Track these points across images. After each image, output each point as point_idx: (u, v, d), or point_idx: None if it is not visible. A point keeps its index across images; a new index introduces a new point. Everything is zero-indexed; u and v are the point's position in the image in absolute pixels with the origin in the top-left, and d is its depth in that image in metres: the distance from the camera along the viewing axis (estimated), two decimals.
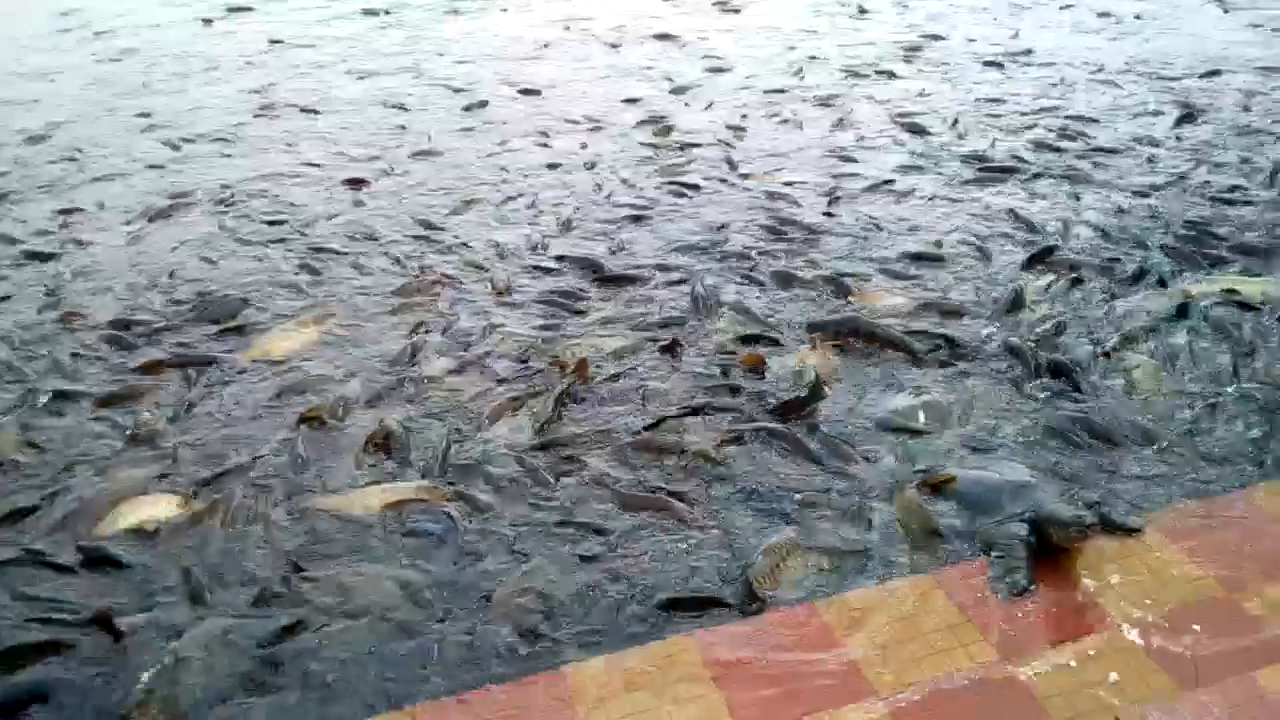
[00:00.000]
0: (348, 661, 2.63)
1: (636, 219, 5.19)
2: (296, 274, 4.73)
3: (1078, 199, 5.21)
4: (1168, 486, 3.13)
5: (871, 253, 4.74)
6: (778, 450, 3.37)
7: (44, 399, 3.79)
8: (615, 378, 3.82)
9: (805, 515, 3.07)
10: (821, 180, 5.56)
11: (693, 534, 3.02)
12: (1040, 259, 4.58)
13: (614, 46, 8.44)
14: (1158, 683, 2.42)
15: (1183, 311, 4.07)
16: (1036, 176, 5.50)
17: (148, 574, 2.96)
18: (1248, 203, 5.06)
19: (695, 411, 3.59)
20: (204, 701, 2.52)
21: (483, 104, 7.02)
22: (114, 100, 7.43)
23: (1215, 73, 7.02)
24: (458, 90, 7.39)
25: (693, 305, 4.30)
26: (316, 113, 7.03)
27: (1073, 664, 2.49)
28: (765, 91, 7.10)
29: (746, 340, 4.03)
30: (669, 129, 6.45)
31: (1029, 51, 7.77)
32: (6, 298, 4.60)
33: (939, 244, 4.78)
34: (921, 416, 3.50)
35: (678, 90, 7.22)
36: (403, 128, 6.68)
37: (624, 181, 5.66)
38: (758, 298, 4.36)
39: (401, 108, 7.06)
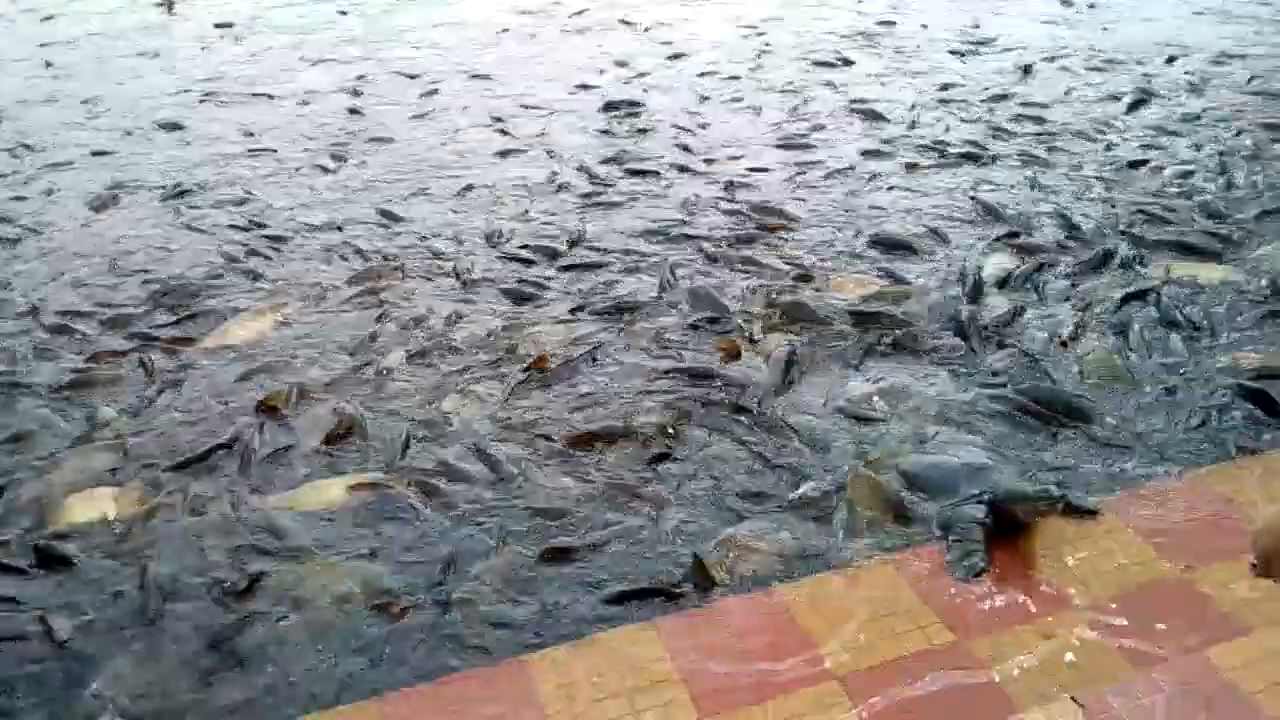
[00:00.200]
0: (308, 654, 2.60)
1: (598, 205, 5.17)
2: (252, 262, 4.67)
3: (1037, 185, 5.25)
4: (1122, 470, 3.16)
5: (833, 238, 4.76)
6: (736, 438, 3.37)
7: None
8: (575, 364, 3.80)
9: (762, 502, 3.08)
10: (782, 167, 5.56)
11: (652, 523, 3.01)
12: (1002, 244, 4.61)
13: (574, 33, 8.40)
14: (1112, 662, 2.45)
15: (1139, 297, 4.12)
16: (995, 161, 5.55)
17: (98, 572, 2.90)
18: (1201, 190, 5.12)
19: (657, 399, 3.58)
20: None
21: (436, 91, 6.96)
22: (63, 86, 7.29)
23: (1172, 59, 7.10)
24: (414, 76, 7.32)
25: (658, 291, 4.29)
26: (271, 98, 6.93)
27: (1029, 645, 2.51)
28: (725, 79, 7.10)
29: (707, 325, 4.02)
30: (629, 115, 6.43)
31: (989, 39, 7.83)
32: None
33: (899, 230, 4.80)
34: (878, 403, 3.52)
35: (638, 76, 7.20)
36: (359, 113, 6.61)
37: (583, 169, 5.63)
38: (720, 283, 4.36)
39: (357, 93, 6.98)
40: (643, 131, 6.16)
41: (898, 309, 4.10)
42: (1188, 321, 3.95)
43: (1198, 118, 6.05)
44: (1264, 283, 4.19)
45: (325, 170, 5.71)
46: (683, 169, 5.60)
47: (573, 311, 4.17)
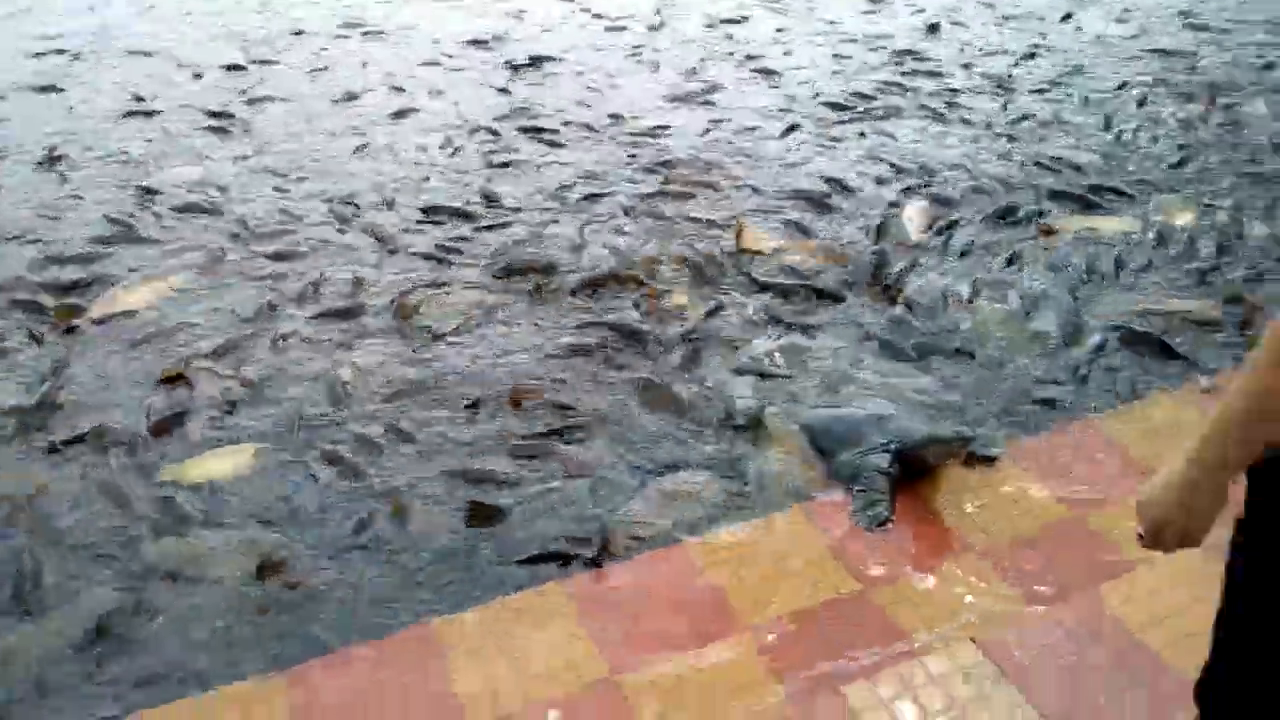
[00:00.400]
0: (203, 631, 2.53)
1: (503, 166, 5.08)
2: (142, 227, 4.48)
3: (937, 138, 5.33)
4: (1018, 419, 3.25)
5: (742, 195, 4.76)
6: (645, 397, 3.37)
7: None
8: (479, 326, 3.75)
9: (671, 459, 3.09)
10: (688, 124, 5.54)
11: (564, 483, 3.00)
12: (907, 198, 4.67)
13: None
14: (1011, 603, 2.53)
15: (1037, 250, 4.23)
16: (899, 115, 5.61)
17: None
18: (1096, 144, 5.25)
19: (563, 360, 3.56)
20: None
21: (327, 49, 6.73)
22: None
23: (1068, 16, 7.23)
24: (298, 34, 7.04)
25: (569, 249, 4.25)
26: (149, 54, 6.63)
27: (932, 589, 2.57)
28: (628, 34, 7.01)
29: (617, 283, 4.00)
30: (531, 70, 6.32)
31: None
32: None
33: (808, 185, 4.83)
34: (782, 359, 3.55)
35: (544, 32, 7.06)
36: (245, 68, 6.37)
37: (485, 128, 5.52)
38: (630, 241, 4.33)
39: (246, 51, 6.71)
40: (544, 88, 6.06)
41: (806, 264, 4.14)
42: (1083, 271, 4.07)
43: (1088, 72, 6.20)
44: (1152, 234, 4.34)
45: (214, 132, 5.49)
46: (588, 127, 5.53)
47: (481, 273, 4.11)
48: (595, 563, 2.69)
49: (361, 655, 2.45)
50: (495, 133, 5.47)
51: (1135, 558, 2.62)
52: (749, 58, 6.53)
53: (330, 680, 2.39)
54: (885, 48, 6.68)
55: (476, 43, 6.83)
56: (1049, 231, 4.38)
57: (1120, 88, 5.93)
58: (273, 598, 2.62)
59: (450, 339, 3.68)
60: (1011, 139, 5.33)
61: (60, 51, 6.69)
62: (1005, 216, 4.52)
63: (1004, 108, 5.73)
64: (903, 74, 6.24)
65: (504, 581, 2.66)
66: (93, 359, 3.60)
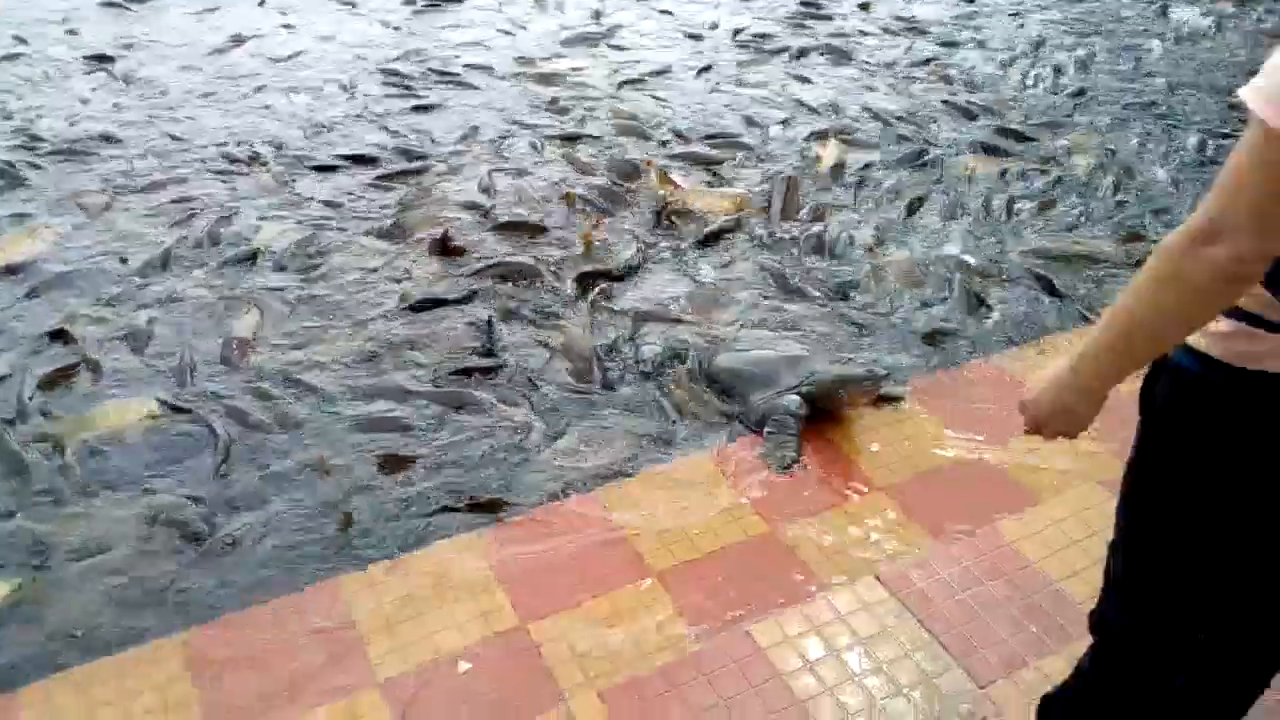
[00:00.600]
0: (103, 593, 2.45)
1: (417, 109, 4.94)
2: (23, 173, 4.25)
3: (845, 80, 5.33)
4: (918, 360, 3.30)
5: (654, 136, 4.72)
6: (553, 345, 3.33)
7: None
8: (373, 271, 3.67)
9: (584, 405, 3.07)
10: (594, 65, 5.45)
11: (471, 432, 2.95)
12: (815, 141, 4.68)
13: None
14: (914, 538, 2.58)
15: (942, 190, 4.28)
16: (801, 56, 5.61)
17: None
18: (1000, 87, 5.32)
19: (478, 304, 3.50)
20: None
21: None
22: None
23: None
24: None
25: (479, 190, 4.17)
26: None
27: (838, 529, 2.61)
28: None
29: (528, 227, 3.94)
30: (431, 10, 6.15)
31: None
32: None
33: (720, 125, 4.81)
34: (687, 304, 3.54)
35: None
36: (129, 9, 6.07)
37: (384, 70, 5.36)
38: (541, 184, 4.26)
39: None
40: (447, 30, 5.90)
41: (717, 206, 4.12)
42: (985, 213, 4.13)
43: (986, 13, 6.26)
44: (1053, 176, 4.42)
45: (99, 74, 5.23)
46: (491, 70, 5.40)
47: (389, 219, 4.00)
48: (503, 510, 2.67)
49: (266, 612, 2.38)
50: (395, 73, 5.31)
51: (1037, 495, 2.69)
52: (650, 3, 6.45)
53: (235, 640, 2.32)
54: None
55: None
56: (956, 174, 4.43)
57: (1019, 29, 6.00)
58: (170, 557, 2.54)
59: (350, 288, 3.58)
60: (915, 80, 5.36)
61: None
62: (913, 160, 4.56)
63: (907, 50, 5.76)
64: (807, 13, 6.23)
65: (411, 533, 2.62)
66: None
